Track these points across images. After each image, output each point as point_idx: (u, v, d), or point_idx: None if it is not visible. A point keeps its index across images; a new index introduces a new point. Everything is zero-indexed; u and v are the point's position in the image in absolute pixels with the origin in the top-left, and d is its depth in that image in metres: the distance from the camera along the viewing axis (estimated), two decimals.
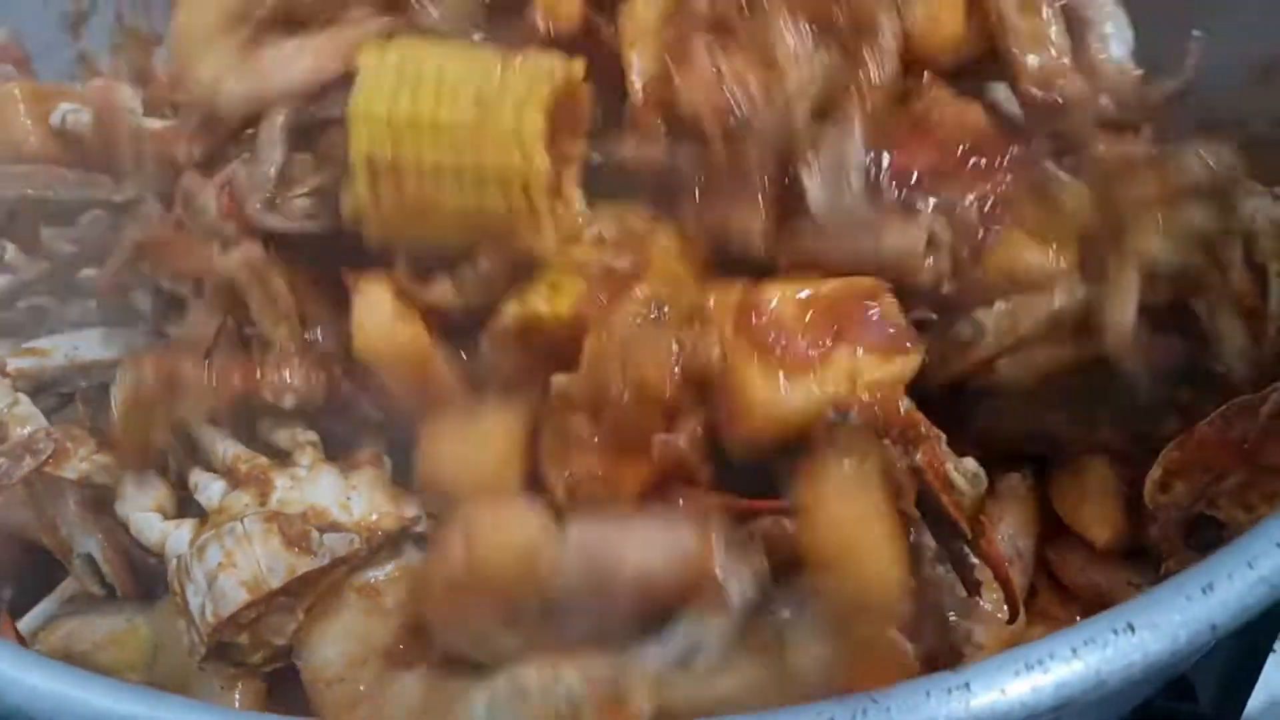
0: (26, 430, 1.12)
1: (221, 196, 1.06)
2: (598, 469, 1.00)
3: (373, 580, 1.01)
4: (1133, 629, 0.81)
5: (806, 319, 0.99)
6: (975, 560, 0.98)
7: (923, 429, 0.94)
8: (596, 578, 0.92)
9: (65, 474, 1.09)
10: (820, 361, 0.97)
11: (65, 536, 1.13)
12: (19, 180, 1.37)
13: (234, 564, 0.94)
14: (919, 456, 0.93)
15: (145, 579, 1.12)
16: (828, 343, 0.97)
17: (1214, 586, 0.83)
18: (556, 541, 0.92)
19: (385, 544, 1.02)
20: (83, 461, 1.10)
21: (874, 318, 1.01)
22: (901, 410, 0.94)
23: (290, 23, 1.08)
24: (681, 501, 1.01)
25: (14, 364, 1.19)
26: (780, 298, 1.00)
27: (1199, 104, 1.43)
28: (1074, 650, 0.80)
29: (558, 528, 0.93)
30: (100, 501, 1.11)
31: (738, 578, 0.91)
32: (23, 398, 1.16)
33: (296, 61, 1.05)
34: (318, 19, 1.07)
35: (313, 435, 1.08)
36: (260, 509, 0.99)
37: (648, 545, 0.92)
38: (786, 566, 0.95)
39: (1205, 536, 1.04)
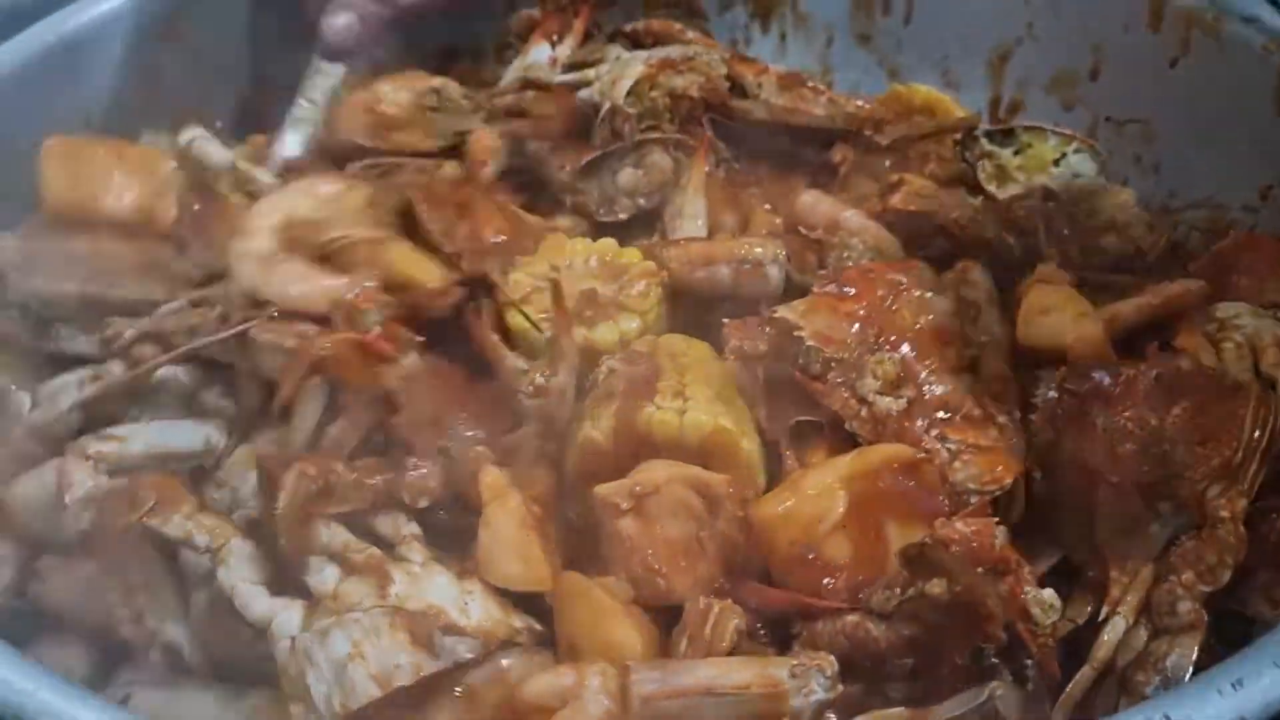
0: None
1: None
2: (655, 565, 1.08)
3: (471, 683, 1.01)
4: None
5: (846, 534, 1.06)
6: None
7: (1012, 563, 1.01)
8: None
9: (170, 531, 1.10)
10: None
11: (152, 629, 1.15)
12: (78, 276, 1.38)
13: (363, 655, 0.95)
14: (1003, 587, 1.00)
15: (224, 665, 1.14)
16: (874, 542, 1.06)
17: (1243, 683, 0.90)
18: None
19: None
20: (187, 519, 1.10)
21: (917, 490, 1.09)
22: (997, 546, 1.01)
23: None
24: (742, 597, 1.07)
25: (94, 448, 1.22)
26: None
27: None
28: None
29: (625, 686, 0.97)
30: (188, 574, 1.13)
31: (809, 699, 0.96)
32: (104, 480, 1.20)
33: (291, 286, 1.26)
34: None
35: (415, 528, 1.12)
36: (381, 603, 1.01)
37: (721, 706, 0.96)
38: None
39: (1233, 632, 1.09)
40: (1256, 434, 1.11)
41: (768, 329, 1.23)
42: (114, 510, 1.09)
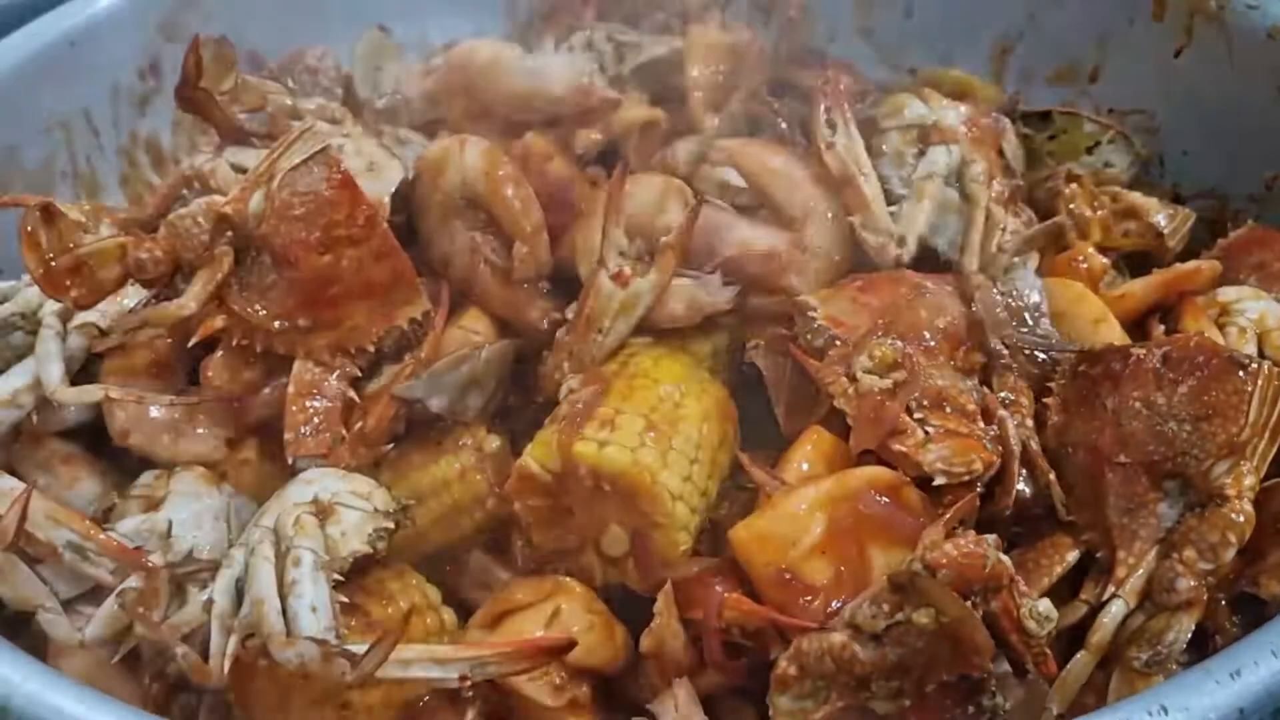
0: None
1: None
2: None
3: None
4: (1166, 711, 0.88)
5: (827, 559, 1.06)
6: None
7: (1005, 579, 0.98)
8: None
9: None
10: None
11: None
12: None
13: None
14: (995, 604, 0.98)
15: None
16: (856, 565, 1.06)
17: (1241, 672, 0.90)
18: None
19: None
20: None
21: (898, 513, 1.08)
22: (987, 567, 0.97)
23: None
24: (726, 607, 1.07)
25: None
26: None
27: None
28: None
29: None
30: None
31: None
32: None
33: None
34: None
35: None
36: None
37: None
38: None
39: (1249, 613, 1.09)
40: (1264, 410, 1.09)
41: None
42: None
